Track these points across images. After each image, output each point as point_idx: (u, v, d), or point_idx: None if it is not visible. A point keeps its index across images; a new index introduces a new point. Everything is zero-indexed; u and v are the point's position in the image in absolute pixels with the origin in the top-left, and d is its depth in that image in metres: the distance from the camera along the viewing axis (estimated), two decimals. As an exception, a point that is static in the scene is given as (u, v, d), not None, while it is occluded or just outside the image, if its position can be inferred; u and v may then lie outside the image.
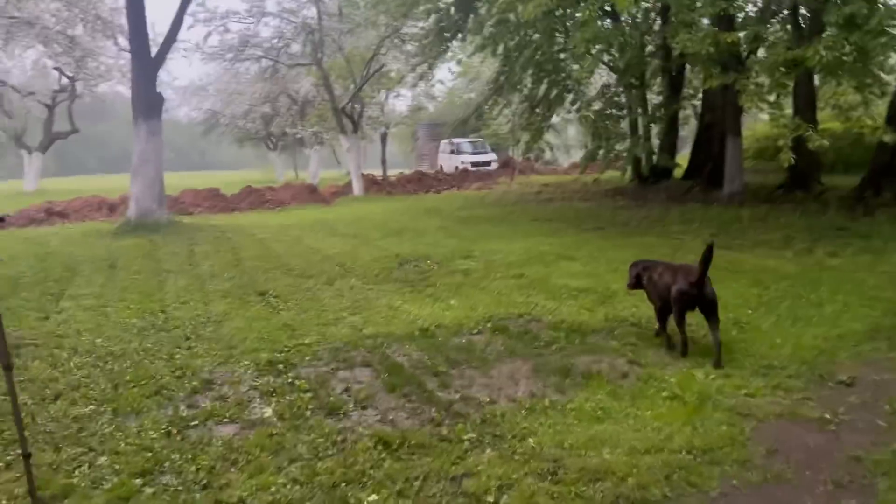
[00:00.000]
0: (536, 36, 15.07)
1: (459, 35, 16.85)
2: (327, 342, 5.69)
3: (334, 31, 21.56)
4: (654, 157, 15.13)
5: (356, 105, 23.67)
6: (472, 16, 15.59)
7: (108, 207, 17.28)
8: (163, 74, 26.44)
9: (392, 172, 33.15)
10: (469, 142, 39.28)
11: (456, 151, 38.42)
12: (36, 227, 14.66)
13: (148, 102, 12.59)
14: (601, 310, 6.57)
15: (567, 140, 46.47)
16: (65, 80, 27.86)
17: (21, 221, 15.27)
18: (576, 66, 17.50)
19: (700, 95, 18.65)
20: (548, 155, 41.13)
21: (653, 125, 14.56)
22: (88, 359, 5.25)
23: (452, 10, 16.26)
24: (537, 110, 18.23)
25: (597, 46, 12.50)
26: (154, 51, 13.23)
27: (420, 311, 6.65)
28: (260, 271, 8.86)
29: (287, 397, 4.39)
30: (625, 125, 19.58)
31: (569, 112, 17.16)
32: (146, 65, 12.65)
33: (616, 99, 15.07)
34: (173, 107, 38.95)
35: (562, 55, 16.32)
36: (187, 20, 16.72)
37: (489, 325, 6.14)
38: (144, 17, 12.82)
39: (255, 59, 22.97)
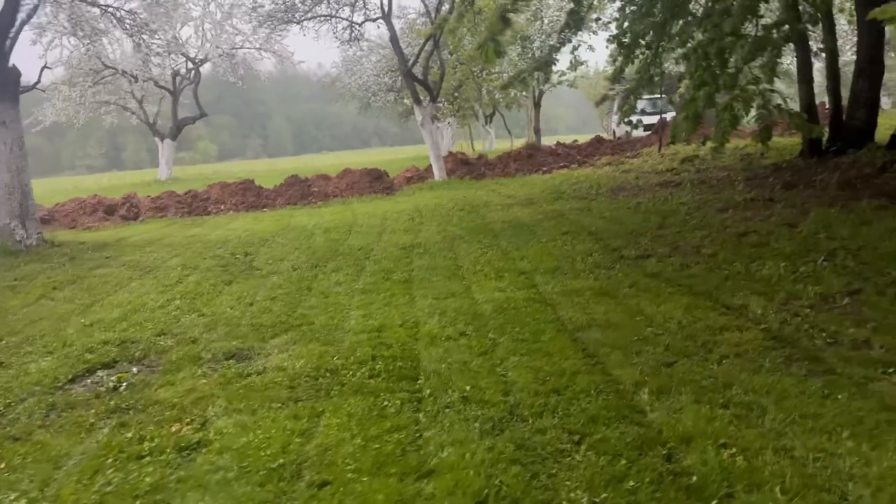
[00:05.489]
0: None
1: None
2: None
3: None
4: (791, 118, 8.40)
5: (435, 67, 18.96)
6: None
7: (104, 210, 15.01)
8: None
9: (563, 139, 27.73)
10: (647, 99, 31.98)
11: (614, 112, 31.59)
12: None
13: (-7, 79, 9.33)
14: None
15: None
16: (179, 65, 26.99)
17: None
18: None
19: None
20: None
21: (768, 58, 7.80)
22: None
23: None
24: (640, 48, 12.01)
25: None
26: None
27: None
28: None
29: None
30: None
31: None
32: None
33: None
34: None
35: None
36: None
37: None
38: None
39: (325, 18, 19.28)
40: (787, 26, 8.09)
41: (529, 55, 27.64)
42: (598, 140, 22.81)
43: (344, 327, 5.51)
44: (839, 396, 3.43)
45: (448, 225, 10.81)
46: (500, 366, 4.33)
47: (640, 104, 32.04)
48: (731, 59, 9.32)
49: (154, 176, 30.20)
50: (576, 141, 25.86)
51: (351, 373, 4.42)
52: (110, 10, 19.65)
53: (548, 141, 32.52)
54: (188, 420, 3.93)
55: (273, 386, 4.31)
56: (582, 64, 31.86)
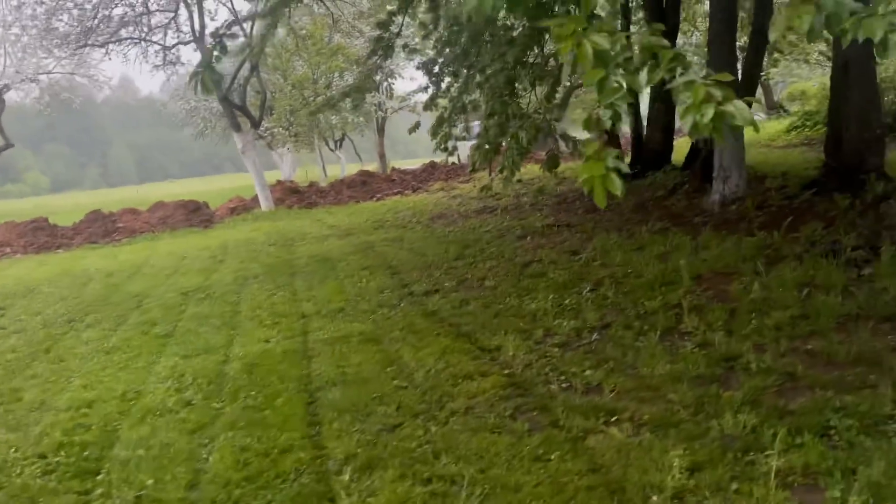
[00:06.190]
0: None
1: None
2: None
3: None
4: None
5: (259, 92, 18.13)
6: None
7: None
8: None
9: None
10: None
11: (470, 136, 32.03)
12: None
13: None
14: None
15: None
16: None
17: None
18: None
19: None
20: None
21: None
22: None
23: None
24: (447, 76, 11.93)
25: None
26: None
27: None
28: None
29: None
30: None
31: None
32: None
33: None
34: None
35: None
36: None
37: None
38: None
39: (134, 41, 17.83)
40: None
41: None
42: (433, 165, 22.83)
43: (51, 404, 4.63)
44: (552, 457, 3.13)
45: (251, 262, 10.03)
46: (206, 446, 3.70)
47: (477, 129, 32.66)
48: (519, 89, 9.41)
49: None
50: (432, 163, 25.70)
51: (19, 471, 3.60)
52: None
53: (409, 164, 32.46)
54: None
55: None
56: (422, 90, 32.07)
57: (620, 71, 2.74)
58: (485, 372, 4.29)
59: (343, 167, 44.96)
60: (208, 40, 18.27)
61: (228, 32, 4.44)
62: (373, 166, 42.32)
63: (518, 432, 3.42)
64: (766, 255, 5.82)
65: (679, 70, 2.64)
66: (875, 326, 4.05)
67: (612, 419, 3.44)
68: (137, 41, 17.93)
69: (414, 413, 3.80)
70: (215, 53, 4.40)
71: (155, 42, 18.00)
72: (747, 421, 3.12)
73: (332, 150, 43.04)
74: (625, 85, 2.74)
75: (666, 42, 2.74)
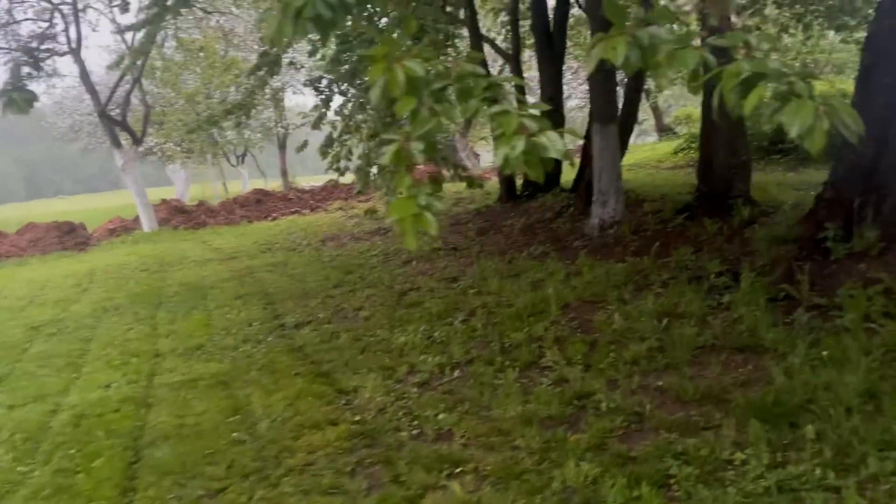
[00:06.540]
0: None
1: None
2: None
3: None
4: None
5: (145, 107, 17.15)
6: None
7: None
8: None
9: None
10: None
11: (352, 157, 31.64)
12: None
13: None
14: None
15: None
16: None
17: None
18: None
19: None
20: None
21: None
22: None
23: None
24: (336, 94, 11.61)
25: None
26: None
27: None
28: None
29: None
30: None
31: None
32: None
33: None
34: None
35: None
36: None
37: None
38: None
39: (3, 51, 16.45)
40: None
41: (268, 97, 26.59)
42: (334, 183, 22.31)
43: None
44: (382, 522, 2.85)
45: (116, 290, 9.27)
46: (-6, 524, 3.18)
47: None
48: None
49: None
50: (332, 181, 25.03)
51: None
52: None
53: (316, 180, 31.64)
54: None
55: None
56: (324, 108, 31.79)
57: (434, 101, 2.52)
58: (334, 420, 3.96)
59: (245, 183, 43.46)
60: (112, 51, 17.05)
61: (42, 48, 3.96)
62: (278, 183, 41.10)
63: (354, 492, 3.12)
64: (634, 282, 5.82)
65: (494, 100, 2.45)
66: (728, 358, 4.03)
67: (457, 471, 3.20)
68: (7, 51, 16.54)
69: (245, 473, 3.42)
70: (26, 70, 3.89)
71: (25, 53, 16.64)
72: (589, 471, 2.95)
73: (233, 165, 41.57)
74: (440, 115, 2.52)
75: (481, 70, 2.54)
